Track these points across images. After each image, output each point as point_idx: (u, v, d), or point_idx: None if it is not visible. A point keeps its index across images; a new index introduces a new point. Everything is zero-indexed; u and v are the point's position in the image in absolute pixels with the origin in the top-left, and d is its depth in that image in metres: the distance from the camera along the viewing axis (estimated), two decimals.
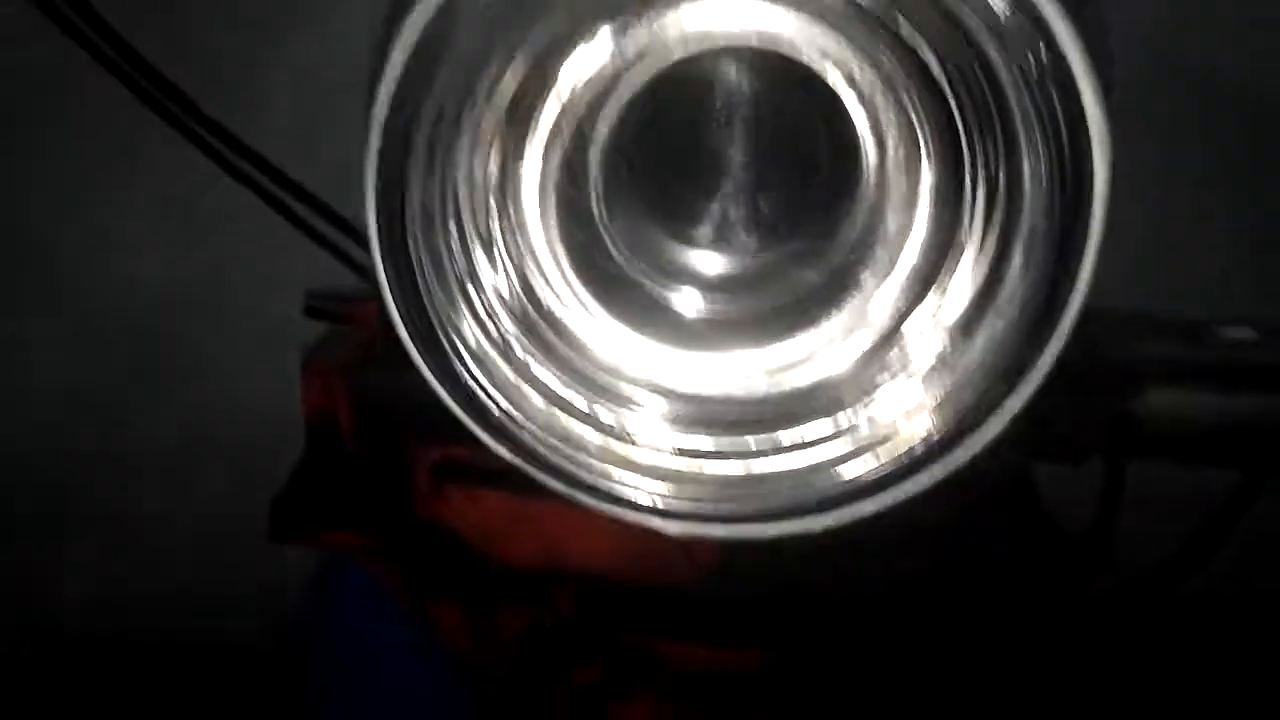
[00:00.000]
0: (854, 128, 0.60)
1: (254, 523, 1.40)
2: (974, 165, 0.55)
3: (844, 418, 0.60)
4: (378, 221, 0.54)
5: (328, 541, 1.42)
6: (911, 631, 1.31)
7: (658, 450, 0.62)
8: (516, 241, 0.61)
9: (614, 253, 0.63)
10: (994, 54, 0.47)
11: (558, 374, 0.62)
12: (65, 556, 2.32)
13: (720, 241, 0.66)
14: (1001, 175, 0.53)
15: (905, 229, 0.59)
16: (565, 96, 0.59)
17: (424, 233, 0.57)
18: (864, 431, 0.59)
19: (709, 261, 0.66)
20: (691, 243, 0.65)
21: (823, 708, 1.27)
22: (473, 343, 0.59)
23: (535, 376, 0.62)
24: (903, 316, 0.61)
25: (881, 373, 0.61)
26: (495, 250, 0.61)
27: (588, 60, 0.59)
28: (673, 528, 0.62)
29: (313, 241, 1.75)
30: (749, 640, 1.26)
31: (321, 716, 1.63)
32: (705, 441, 0.62)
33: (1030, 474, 1.46)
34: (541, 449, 0.61)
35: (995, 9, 0.41)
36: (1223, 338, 1.48)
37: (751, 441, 0.62)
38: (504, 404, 0.60)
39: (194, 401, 2.23)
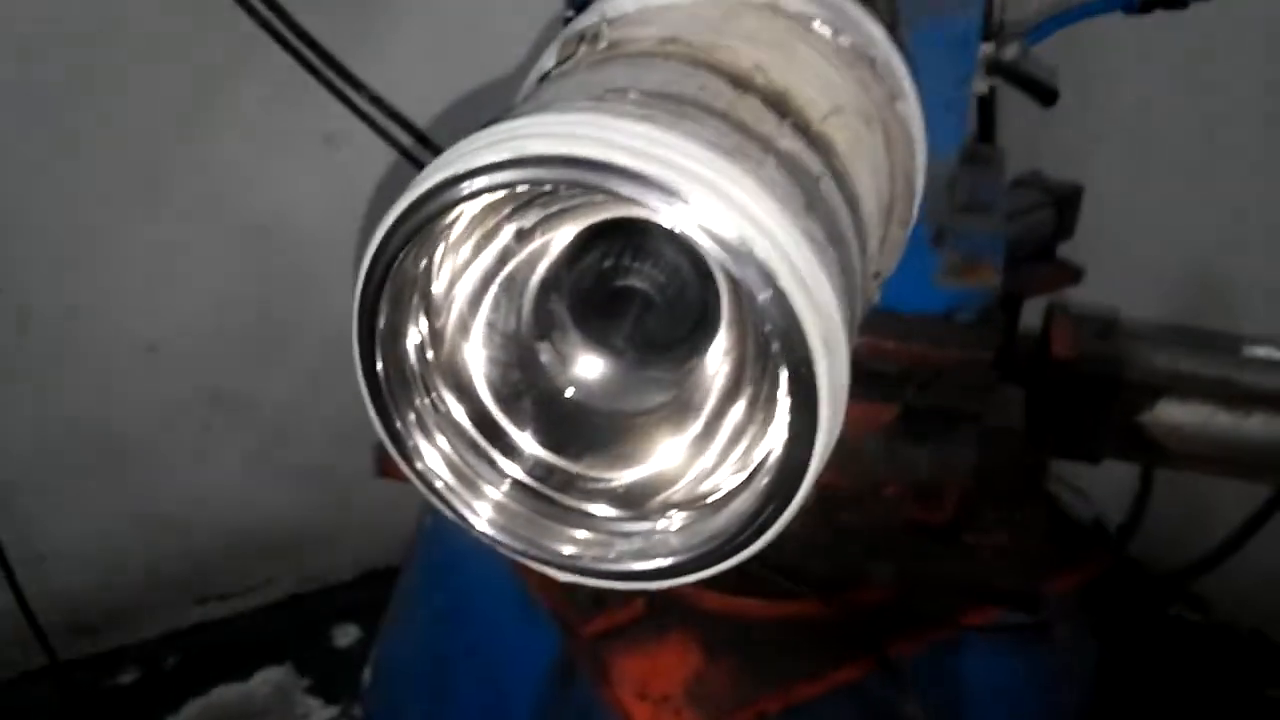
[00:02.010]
0: (719, 316, 0.78)
1: None
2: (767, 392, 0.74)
3: (651, 520, 0.78)
4: (363, 367, 0.76)
5: None
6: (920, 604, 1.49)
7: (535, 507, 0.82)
8: (455, 369, 0.82)
9: (528, 358, 0.84)
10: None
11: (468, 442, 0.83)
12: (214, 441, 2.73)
13: (609, 354, 0.85)
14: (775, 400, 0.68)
15: (725, 401, 0.78)
16: (510, 264, 0.80)
17: (392, 367, 0.77)
18: (660, 534, 0.77)
19: (594, 366, 0.86)
20: (588, 352, 0.85)
21: (832, 653, 1.45)
22: (419, 439, 0.81)
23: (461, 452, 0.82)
24: (710, 463, 0.78)
25: (672, 501, 0.79)
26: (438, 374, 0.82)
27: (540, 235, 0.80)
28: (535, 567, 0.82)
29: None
30: (772, 592, 1.46)
31: (425, 625, 1.95)
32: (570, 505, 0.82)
33: (1040, 476, 1.60)
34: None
35: (764, 312, 0.59)
36: (1248, 356, 1.58)
37: (600, 512, 0.80)
38: (440, 472, 0.81)
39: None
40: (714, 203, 0.57)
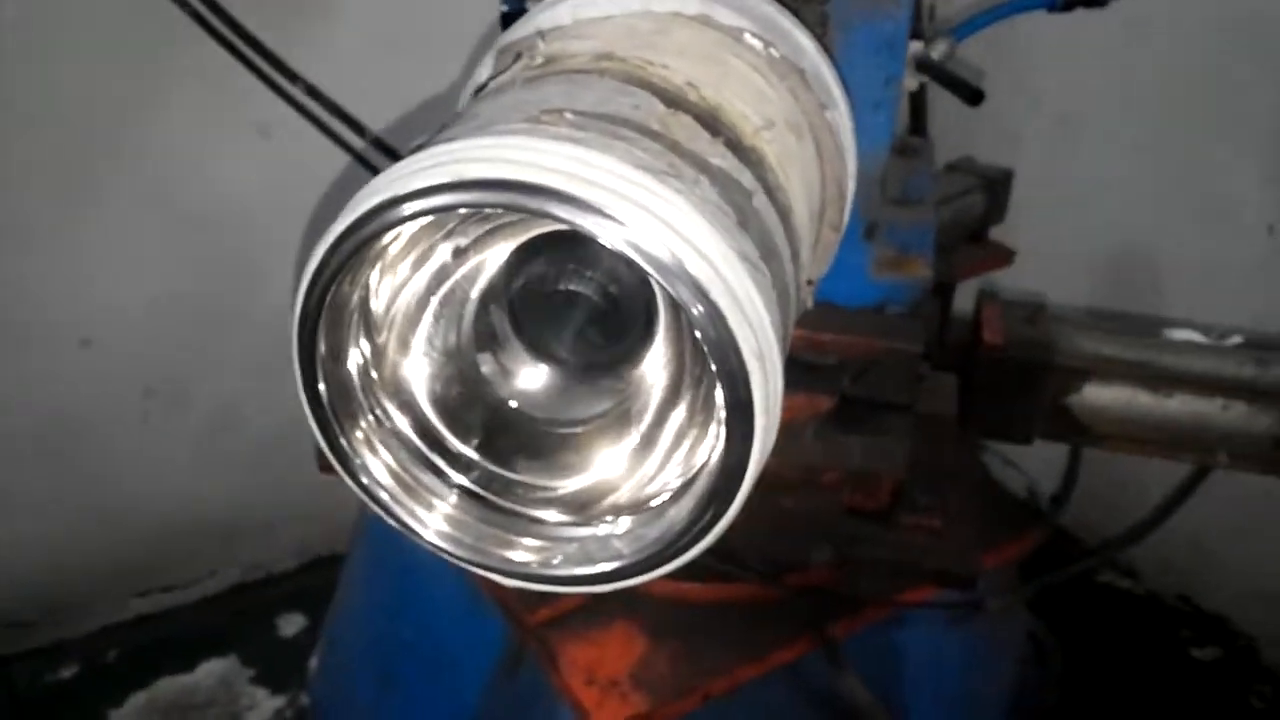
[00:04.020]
0: (656, 324, 0.81)
1: None
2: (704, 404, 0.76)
3: (596, 525, 0.80)
4: (305, 387, 0.77)
5: None
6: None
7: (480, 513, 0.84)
8: (397, 385, 0.83)
9: (470, 370, 0.85)
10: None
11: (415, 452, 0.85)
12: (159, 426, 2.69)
13: (551, 363, 0.87)
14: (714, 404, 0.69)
15: (665, 407, 0.80)
16: (449, 280, 0.81)
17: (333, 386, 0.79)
18: (606, 538, 0.79)
19: (535, 377, 0.88)
20: (530, 362, 0.87)
21: (773, 634, 1.48)
22: (365, 454, 0.82)
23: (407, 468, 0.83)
24: (653, 468, 0.81)
25: (619, 505, 0.81)
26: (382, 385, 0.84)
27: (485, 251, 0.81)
28: (504, 581, 0.83)
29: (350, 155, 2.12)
30: (714, 576, 1.49)
31: (371, 613, 1.96)
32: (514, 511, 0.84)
33: (972, 459, 1.66)
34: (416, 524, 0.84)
35: (698, 326, 0.60)
36: (1168, 340, 1.64)
37: (547, 518, 0.83)
38: (387, 485, 0.82)
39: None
40: (647, 222, 0.59)
